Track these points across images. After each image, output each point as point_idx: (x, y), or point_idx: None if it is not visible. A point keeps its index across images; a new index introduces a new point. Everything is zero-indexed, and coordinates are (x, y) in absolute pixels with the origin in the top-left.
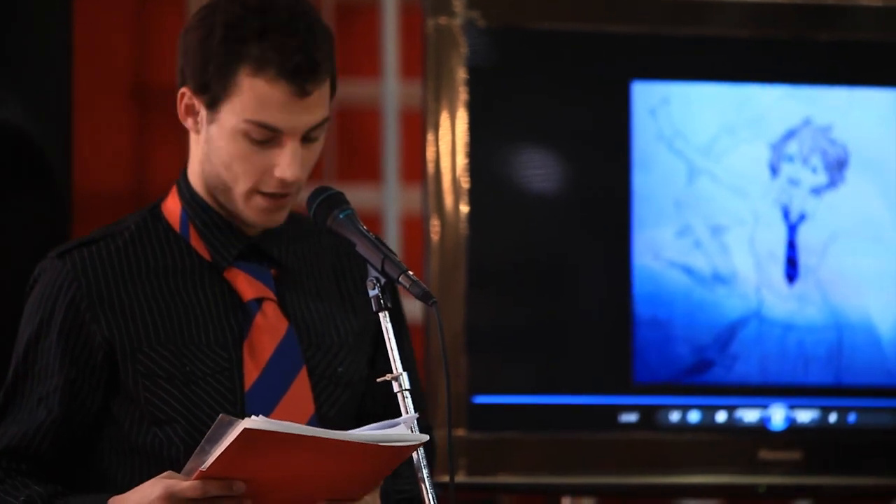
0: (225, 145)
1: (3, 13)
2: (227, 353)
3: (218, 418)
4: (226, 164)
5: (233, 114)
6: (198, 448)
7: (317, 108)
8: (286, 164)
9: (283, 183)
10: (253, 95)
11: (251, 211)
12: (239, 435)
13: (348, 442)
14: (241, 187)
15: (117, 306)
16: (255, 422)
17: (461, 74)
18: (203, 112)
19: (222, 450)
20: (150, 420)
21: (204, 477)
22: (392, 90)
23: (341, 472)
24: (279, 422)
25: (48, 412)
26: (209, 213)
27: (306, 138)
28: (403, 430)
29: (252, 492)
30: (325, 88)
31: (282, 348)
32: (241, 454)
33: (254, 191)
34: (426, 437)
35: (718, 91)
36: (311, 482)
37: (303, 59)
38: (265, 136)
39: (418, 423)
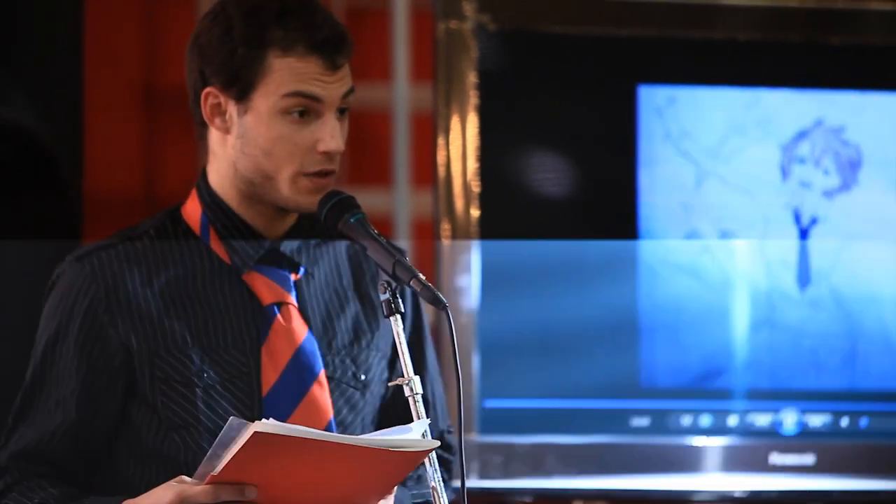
0: (264, 131)
1: (13, 14)
2: (245, 358)
3: (228, 421)
4: (266, 150)
5: (267, 95)
6: (209, 451)
7: (346, 77)
8: (329, 136)
9: (327, 157)
10: (287, 72)
11: (297, 195)
12: (249, 438)
13: (358, 446)
14: (285, 172)
15: (135, 310)
16: (265, 425)
17: (471, 78)
18: (232, 107)
19: (233, 453)
20: (167, 425)
21: (215, 481)
22: (403, 94)
23: (353, 478)
24: (289, 425)
25: (65, 416)
26: (230, 217)
27: (339, 111)
28: (415, 435)
29: (265, 496)
30: (348, 61)
31: (300, 353)
32: (252, 458)
33: (299, 174)
34: (437, 443)
35: (727, 93)
36: (323, 488)
37: (329, 33)
38: (304, 108)
39: (438, 427)
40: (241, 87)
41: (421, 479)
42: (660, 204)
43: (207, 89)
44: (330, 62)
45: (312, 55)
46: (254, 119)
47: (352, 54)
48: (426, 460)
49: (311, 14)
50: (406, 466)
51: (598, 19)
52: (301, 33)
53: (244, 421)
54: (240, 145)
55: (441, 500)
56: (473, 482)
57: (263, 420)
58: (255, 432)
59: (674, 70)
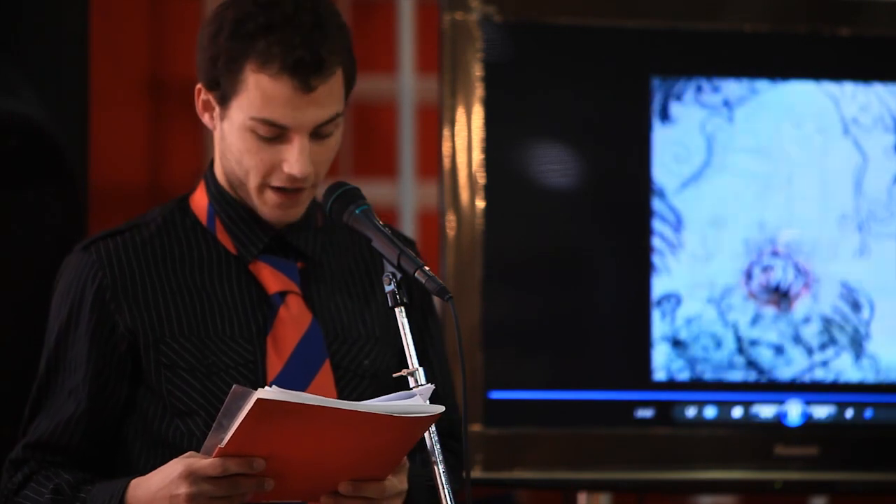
0: (235, 141)
1: (20, 7)
2: (250, 346)
3: (232, 389)
4: (237, 159)
5: (240, 110)
6: (215, 422)
7: (325, 102)
8: (293, 159)
9: (291, 178)
10: (258, 92)
11: (265, 206)
12: (253, 406)
13: (362, 412)
14: (252, 182)
15: (141, 297)
16: (268, 392)
17: (477, 70)
18: (216, 108)
19: (239, 422)
20: (172, 412)
21: (223, 454)
22: (408, 85)
23: (360, 447)
24: (292, 392)
25: (77, 404)
26: (235, 207)
27: (317, 134)
28: (419, 400)
29: (273, 470)
30: (333, 83)
31: (305, 341)
32: (258, 427)
33: (265, 185)
34: (442, 408)
35: (735, 84)
36: (331, 460)
37: (306, 54)
38: (272, 133)
39: (449, 418)
40: (221, 94)
41: (428, 463)
42: (666, 194)
43: (199, 85)
44: (303, 84)
45: (284, 75)
46: (229, 127)
47: (336, 70)
48: (427, 438)
49: (294, 31)
50: (412, 434)
51: (604, 11)
52: (278, 50)
53: (248, 389)
54: (221, 146)
55: (441, 480)
56: (478, 474)
57: (266, 388)
58: (259, 399)
59: (680, 61)
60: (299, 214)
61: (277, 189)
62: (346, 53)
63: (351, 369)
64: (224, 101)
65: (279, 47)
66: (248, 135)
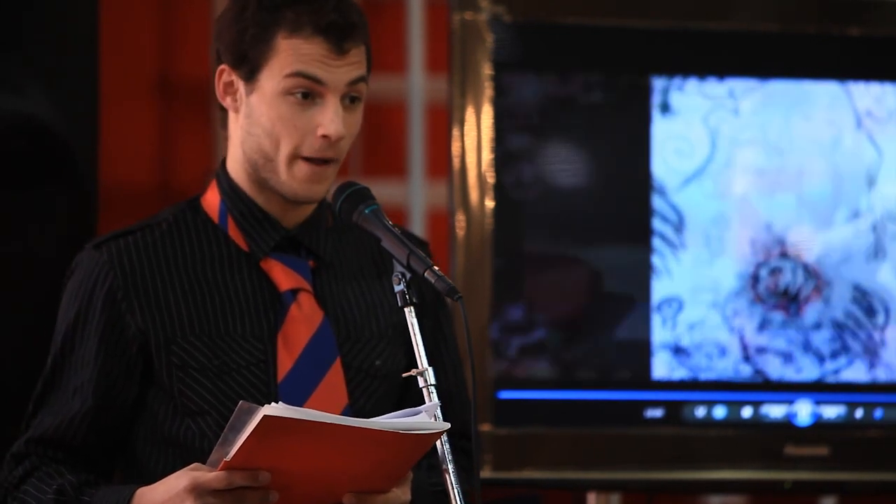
0: (266, 110)
1: (29, 6)
2: (261, 345)
3: (238, 406)
4: (267, 130)
5: (272, 77)
6: (221, 437)
7: (356, 65)
8: (328, 120)
9: (326, 142)
10: (292, 53)
11: (294, 180)
12: (259, 422)
13: (368, 429)
14: (283, 153)
15: (153, 297)
16: (274, 409)
17: (487, 69)
18: (241, 86)
19: (244, 438)
20: (183, 412)
21: (228, 468)
22: (418, 85)
23: (366, 462)
24: (298, 408)
25: (82, 402)
26: (248, 204)
27: (348, 97)
28: (425, 417)
29: (278, 483)
30: (361, 51)
31: (316, 339)
32: (264, 442)
33: (296, 156)
34: (447, 425)
35: (742, 83)
36: (336, 473)
37: (338, 17)
38: (307, 88)
39: (461, 419)
40: (250, 68)
41: (434, 467)
42: (666, 192)
43: (221, 66)
44: (336, 46)
45: (318, 37)
46: (258, 99)
47: (363, 42)
48: (439, 444)
49: (321, 1)
50: (418, 450)
51: (613, 10)
52: (309, 16)
53: (254, 405)
54: (246, 125)
55: (453, 485)
56: (487, 474)
57: (273, 404)
58: (265, 416)
59: (689, 61)
60: (324, 192)
61: (308, 160)
62: (368, 37)
63: (363, 369)
64: (252, 74)
65: (309, 16)
66: (281, 100)
